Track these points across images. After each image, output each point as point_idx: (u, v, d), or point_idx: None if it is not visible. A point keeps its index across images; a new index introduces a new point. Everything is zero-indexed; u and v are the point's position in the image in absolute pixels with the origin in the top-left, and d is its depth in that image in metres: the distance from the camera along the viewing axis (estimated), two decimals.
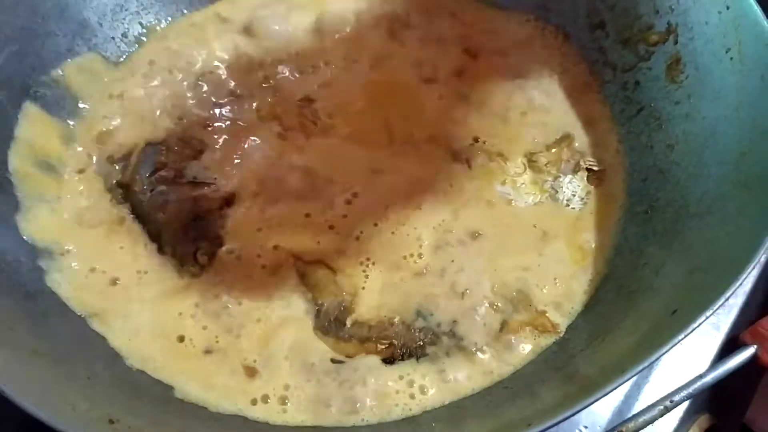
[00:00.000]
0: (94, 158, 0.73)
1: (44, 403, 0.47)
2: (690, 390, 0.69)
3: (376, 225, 0.70)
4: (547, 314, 0.66)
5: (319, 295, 0.66)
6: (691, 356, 0.75)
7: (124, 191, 0.71)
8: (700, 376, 0.70)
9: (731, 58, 0.64)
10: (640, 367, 0.46)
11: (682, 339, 0.47)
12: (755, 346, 0.72)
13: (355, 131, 0.77)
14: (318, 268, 0.67)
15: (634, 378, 0.71)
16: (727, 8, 0.65)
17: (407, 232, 0.70)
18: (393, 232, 0.69)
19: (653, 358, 0.47)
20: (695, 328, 0.47)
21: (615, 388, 0.46)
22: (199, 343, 0.64)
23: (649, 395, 0.72)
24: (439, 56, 0.82)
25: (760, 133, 0.60)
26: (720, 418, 0.77)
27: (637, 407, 0.71)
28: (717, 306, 0.48)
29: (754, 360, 0.71)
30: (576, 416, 0.69)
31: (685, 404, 0.72)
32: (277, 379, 0.62)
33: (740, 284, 0.49)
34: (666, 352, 0.47)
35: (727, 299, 0.48)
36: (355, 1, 0.85)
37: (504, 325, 0.65)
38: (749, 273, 0.49)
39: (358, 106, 0.78)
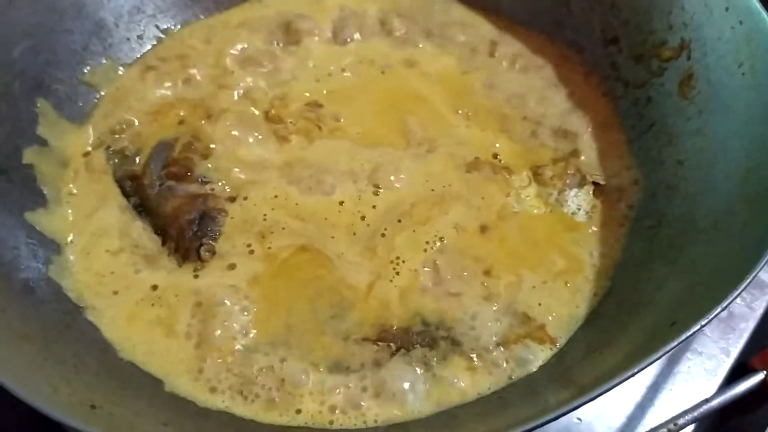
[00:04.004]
0: (105, 151, 0.74)
1: (25, 382, 0.47)
2: (695, 414, 0.68)
3: (399, 221, 0.70)
4: (546, 327, 0.65)
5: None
6: (700, 381, 0.73)
7: (133, 183, 0.72)
8: (706, 400, 0.68)
9: (743, 74, 0.64)
10: (628, 374, 0.45)
11: (673, 348, 0.46)
12: (764, 372, 0.70)
13: (367, 132, 0.77)
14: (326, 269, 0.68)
15: (638, 399, 0.71)
16: (740, 23, 0.65)
17: (426, 232, 0.70)
18: (414, 231, 0.70)
19: (643, 365, 0.46)
20: (687, 337, 0.46)
21: (602, 394, 0.45)
22: (195, 340, 0.63)
23: (654, 418, 0.70)
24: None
25: None
26: None
27: (641, 430, 0.69)
28: (712, 316, 0.47)
29: (762, 386, 0.70)
30: None
31: (690, 429, 0.70)
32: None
33: (737, 296, 0.48)
34: (656, 360, 0.46)
35: (722, 310, 0.47)
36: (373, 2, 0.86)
37: (503, 337, 0.64)
38: (747, 285, 0.48)
39: (370, 110, 0.79)
